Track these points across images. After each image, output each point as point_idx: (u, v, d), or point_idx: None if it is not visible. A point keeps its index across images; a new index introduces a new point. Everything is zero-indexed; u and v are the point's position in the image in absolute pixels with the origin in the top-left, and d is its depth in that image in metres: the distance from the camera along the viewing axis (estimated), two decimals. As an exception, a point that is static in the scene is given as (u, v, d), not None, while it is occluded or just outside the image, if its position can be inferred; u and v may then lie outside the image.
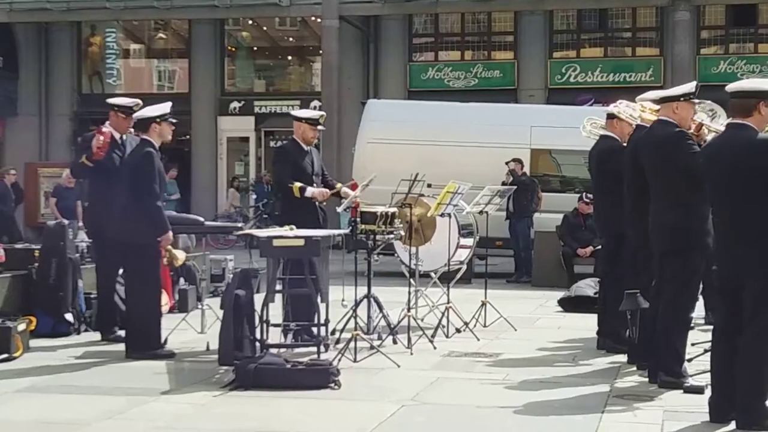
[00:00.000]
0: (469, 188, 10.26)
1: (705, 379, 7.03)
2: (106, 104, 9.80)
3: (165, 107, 8.81)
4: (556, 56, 26.36)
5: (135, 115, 8.93)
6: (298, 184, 9.04)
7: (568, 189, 17.49)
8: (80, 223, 16.59)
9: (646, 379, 7.49)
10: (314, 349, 8.03)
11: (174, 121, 8.89)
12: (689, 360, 7.50)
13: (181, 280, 11.70)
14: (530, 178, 16.77)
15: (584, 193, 15.05)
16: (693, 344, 7.68)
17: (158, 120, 8.68)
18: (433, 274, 10.76)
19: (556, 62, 26.17)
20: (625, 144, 8.39)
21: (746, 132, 5.96)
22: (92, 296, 10.07)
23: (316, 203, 9.19)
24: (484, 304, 10.51)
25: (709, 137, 7.38)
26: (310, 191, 9.08)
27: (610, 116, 8.84)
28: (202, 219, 10.41)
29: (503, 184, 15.06)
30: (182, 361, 8.41)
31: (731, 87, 6.16)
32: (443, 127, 17.73)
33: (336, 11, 23.95)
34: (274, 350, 7.84)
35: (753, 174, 5.87)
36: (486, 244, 12.09)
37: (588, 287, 11.89)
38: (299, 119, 9.37)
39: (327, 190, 9.26)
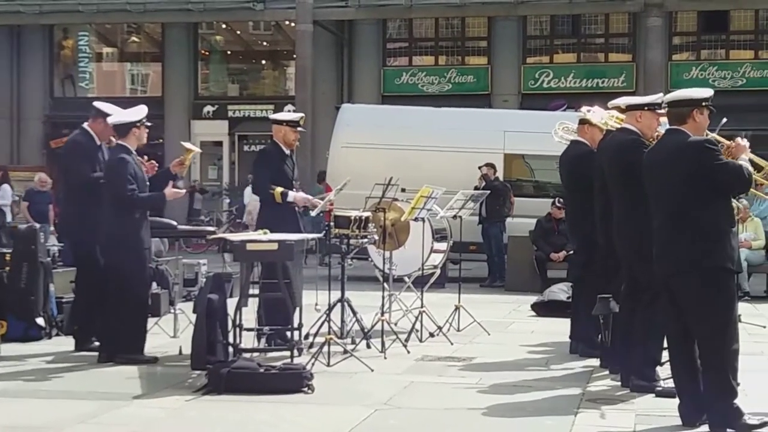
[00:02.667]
0: (442, 193, 10.27)
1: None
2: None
3: (142, 111, 8.77)
4: (529, 62, 26.48)
5: (112, 120, 8.81)
6: (279, 189, 9.01)
7: (541, 194, 17.54)
8: (52, 227, 16.55)
9: (619, 383, 7.53)
10: (287, 353, 8.01)
11: (148, 124, 8.85)
12: (661, 364, 7.54)
13: (154, 284, 11.65)
14: (503, 182, 16.81)
15: (557, 198, 15.12)
16: (665, 348, 7.70)
17: (138, 125, 8.65)
18: (406, 279, 10.77)
19: (529, 68, 26.29)
20: (595, 149, 8.45)
21: (679, 136, 6.15)
22: (64, 300, 10.00)
23: (296, 208, 9.18)
24: (457, 308, 10.53)
25: None
26: (291, 196, 9.07)
27: (582, 122, 8.90)
28: (175, 223, 10.37)
29: (476, 188, 15.10)
30: (155, 366, 8.37)
31: (668, 97, 6.41)
32: (417, 132, 17.74)
33: (310, 16, 23.97)
34: (247, 354, 7.81)
35: (685, 176, 6.01)
36: (460, 248, 12.11)
37: (561, 292, 11.94)
38: (279, 122, 9.34)
39: (309, 196, 9.26)
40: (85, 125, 9.24)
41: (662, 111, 7.61)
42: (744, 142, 6.37)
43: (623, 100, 8.15)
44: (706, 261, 5.95)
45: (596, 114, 8.53)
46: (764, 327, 10.08)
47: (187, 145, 9.31)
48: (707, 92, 6.30)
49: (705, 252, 5.96)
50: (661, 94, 7.86)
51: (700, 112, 6.16)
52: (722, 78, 24.27)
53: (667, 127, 6.44)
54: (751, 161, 6.23)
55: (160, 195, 8.67)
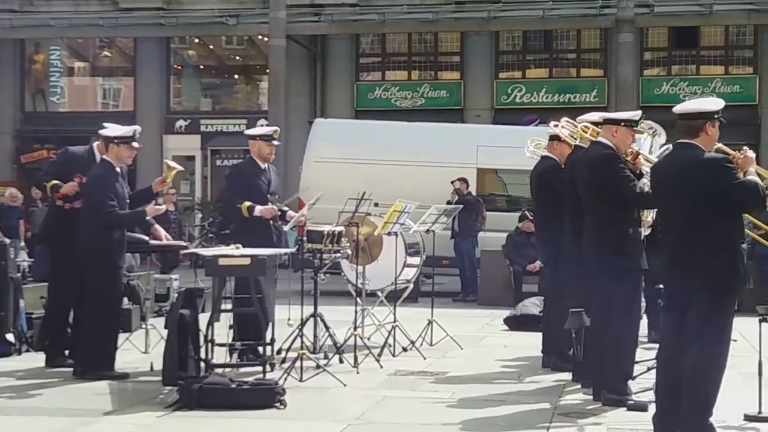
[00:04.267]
0: (415, 207, 10.29)
1: (648, 397, 7.11)
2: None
3: (127, 129, 8.71)
4: (502, 77, 26.58)
5: (101, 132, 8.79)
6: (246, 204, 9.01)
7: (514, 208, 17.58)
8: (22, 243, 16.41)
9: (591, 397, 7.55)
10: (260, 368, 7.98)
11: (136, 145, 8.76)
12: (633, 378, 7.57)
13: (125, 299, 11.57)
14: (475, 197, 16.86)
15: (526, 211, 15.17)
16: (637, 362, 7.74)
17: (116, 141, 8.59)
18: (379, 293, 10.77)
19: (502, 83, 26.39)
20: (563, 165, 8.50)
21: (694, 151, 6.03)
22: (34, 316, 9.91)
23: (270, 222, 9.16)
24: (430, 322, 10.52)
25: (646, 167, 7.52)
26: (258, 210, 9.05)
27: (552, 137, 8.96)
28: (147, 238, 10.31)
29: (449, 203, 15.13)
30: (126, 382, 8.32)
31: (678, 108, 6.22)
32: (390, 147, 17.79)
33: (283, 30, 23.96)
34: (219, 370, 7.77)
35: (700, 193, 5.92)
36: (432, 262, 12.12)
37: (533, 306, 11.96)
38: (254, 137, 9.35)
39: (275, 207, 9.23)
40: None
41: (638, 128, 7.70)
42: (750, 154, 6.29)
43: (594, 116, 8.22)
44: (719, 281, 5.93)
45: (569, 128, 8.57)
46: (735, 341, 10.14)
47: (171, 163, 9.28)
48: (719, 104, 6.20)
49: (718, 272, 5.92)
50: (639, 112, 7.92)
51: (712, 125, 6.09)
52: (692, 93, 24.41)
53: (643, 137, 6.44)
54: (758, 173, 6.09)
55: (141, 211, 8.64)
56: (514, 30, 26.54)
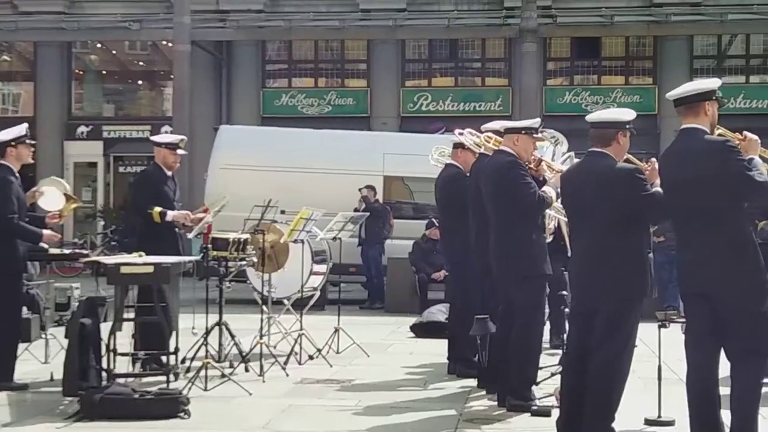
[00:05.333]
0: (322, 215, 10.27)
1: (552, 402, 7.20)
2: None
3: (20, 129, 8.55)
4: (408, 85, 26.74)
5: None
6: (157, 209, 8.92)
7: (421, 216, 17.66)
8: None
9: (496, 403, 7.61)
10: (163, 378, 7.85)
11: (31, 142, 8.62)
12: (537, 383, 7.65)
13: (24, 308, 11.31)
14: (382, 204, 16.90)
15: (433, 218, 15.25)
16: (541, 368, 7.83)
17: (13, 143, 8.41)
18: (286, 301, 10.71)
19: (408, 91, 26.54)
20: (468, 173, 8.58)
21: (605, 160, 6.09)
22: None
23: (176, 230, 9.05)
24: (337, 330, 10.50)
25: (548, 173, 7.62)
26: (170, 215, 8.96)
27: (456, 145, 9.03)
28: (46, 246, 10.08)
29: (356, 210, 15.14)
30: (25, 393, 8.12)
31: (592, 117, 6.29)
32: (297, 154, 17.73)
33: (187, 36, 23.69)
34: (121, 380, 7.63)
35: (610, 202, 5.98)
36: (339, 270, 12.11)
37: (439, 313, 12.03)
38: (158, 144, 9.25)
39: (188, 212, 9.14)
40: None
41: (539, 135, 7.80)
42: (754, 137, 6.37)
43: (497, 124, 8.31)
44: (627, 289, 5.99)
45: (471, 137, 8.65)
46: (636, 346, 10.33)
47: (72, 196, 9.04)
48: (631, 114, 6.27)
49: (626, 280, 5.98)
50: (539, 119, 8.04)
51: (623, 135, 6.14)
52: (594, 103, 24.89)
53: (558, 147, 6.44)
54: (762, 156, 5.88)
55: (38, 234, 8.47)
56: (420, 39, 26.73)
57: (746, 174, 5.41)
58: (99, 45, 28.31)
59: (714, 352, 5.56)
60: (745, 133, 5.85)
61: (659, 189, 6.14)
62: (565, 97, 25.93)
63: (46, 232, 8.57)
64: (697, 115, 5.67)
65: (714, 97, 5.74)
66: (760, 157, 5.77)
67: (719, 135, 5.79)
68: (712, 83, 5.81)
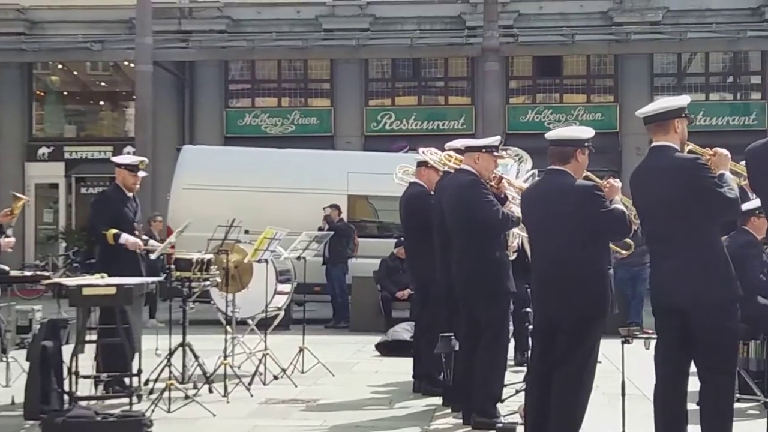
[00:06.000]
0: (286, 234, 10.24)
1: (516, 419, 7.21)
2: None
3: None
4: (371, 104, 26.79)
5: None
6: (112, 231, 8.85)
7: (385, 234, 17.68)
8: None
9: (461, 421, 7.61)
10: (126, 400, 7.79)
11: None
12: (502, 400, 7.66)
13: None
14: (346, 223, 16.89)
15: (401, 237, 15.26)
16: (505, 385, 7.85)
17: None
18: (250, 321, 10.66)
19: (371, 110, 26.60)
20: (432, 191, 8.60)
21: (564, 178, 6.13)
22: None
23: (137, 252, 8.99)
24: (302, 350, 10.47)
25: (509, 190, 7.65)
26: (123, 238, 8.88)
27: (420, 164, 9.05)
28: (7, 268, 9.98)
29: (320, 229, 15.12)
30: (-15, 417, 8.03)
31: (551, 135, 6.32)
32: (260, 174, 17.69)
33: (149, 56, 23.61)
34: (83, 402, 7.56)
35: (570, 219, 6.01)
36: (304, 289, 12.10)
37: (404, 331, 12.02)
38: (119, 165, 9.21)
39: (141, 242, 9.07)
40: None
41: (499, 153, 7.84)
42: (617, 183, 6.38)
43: (459, 143, 8.34)
44: (588, 306, 6.02)
45: (434, 155, 8.68)
46: (600, 362, 10.37)
47: (16, 193, 9.03)
48: (590, 132, 6.30)
49: (587, 297, 6.00)
50: (498, 137, 8.08)
51: (582, 153, 6.17)
52: (556, 121, 25.05)
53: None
54: (732, 170, 5.90)
55: None
56: (383, 58, 26.81)
57: (717, 191, 5.45)
58: (60, 66, 28.13)
59: (683, 368, 5.58)
60: (715, 148, 5.87)
61: (619, 206, 6.19)
62: (528, 116, 26.09)
63: (2, 241, 8.47)
64: (666, 132, 5.68)
65: (683, 114, 5.75)
66: (731, 171, 5.78)
67: (689, 151, 5.82)
68: (682, 100, 5.82)
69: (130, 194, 9.19)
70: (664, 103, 5.83)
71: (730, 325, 5.47)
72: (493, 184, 7.59)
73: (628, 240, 9.19)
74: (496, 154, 7.66)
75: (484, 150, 7.59)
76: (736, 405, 5.60)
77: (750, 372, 8.47)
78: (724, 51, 26.21)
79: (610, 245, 7.30)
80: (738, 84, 26.69)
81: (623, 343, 7.02)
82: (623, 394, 7.01)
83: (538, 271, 6.29)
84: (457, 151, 8.10)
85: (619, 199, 6.34)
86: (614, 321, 9.67)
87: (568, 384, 6.00)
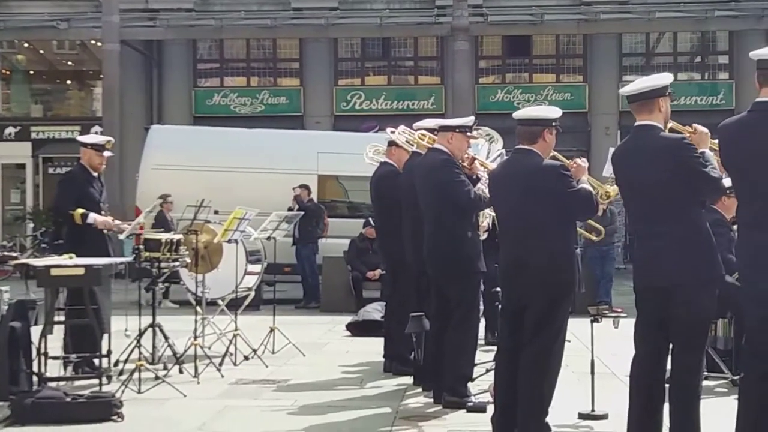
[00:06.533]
0: (256, 214, 10.21)
1: (487, 398, 7.25)
2: None
3: None
4: (341, 83, 26.73)
5: None
6: (79, 210, 8.77)
7: (355, 214, 17.67)
8: None
9: (431, 400, 7.64)
10: (96, 381, 7.76)
11: None
12: (473, 380, 7.70)
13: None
14: (316, 204, 16.87)
15: (370, 218, 15.26)
16: (476, 364, 7.88)
17: None
18: (220, 302, 10.63)
19: (341, 89, 26.53)
20: (402, 171, 8.59)
21: (532, 157, 6.13)
22: None
23: (104, 232, 8.93)
24: (272, 330, 10.46)
25: (481, 171, 7.65)
26: (92, 217, 8.82)
27: (390, 144, 9.04)
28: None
29: (290, 209, 15.09)
30: (-48, 399, 7.96)
31: (518, 114, 6.31)
32: (229, 153, 17.62)
33: (117, 35, 23.42)
34: (52, 383, 7.53)
35: (537, 199, 6.03)
36: (274, 270, 12.06)
37: (375, 311, 12.03)
38: (85, 145, 9.12)
39: (110, 219, 9.00)
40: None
41: (472, 134, 7.83)
42: (584, 163, 6.38)
43: (431, 122, 8.33)
44: (555, 285, 6.03)
45: (404, 134, 8.67)
46: (569, 341, 10.44)
47: None
48: (557, 112, 6.30)
49: (554, 276, 6.01)
50: (473, 117, 8.06)
51: (550, 132, 6.16)
52: (526, 101, 25.09)
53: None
54: (712, 148, 5.74)
55: None
56: (353, 37, 26.72)
57: (702, 171, 5.44)
58: (26, 44, 27.84)
59: (662, 346, 5.59)
60: (695, 126, 5.86)
61: (586, 186, 6.21)
62: (498, 95, 26.13)
63: None
64: (651, 111, 5.61)
65: (667, 93, 5.70)
66: (711, 149, 5.75)
67: (671, 129, 5.81)
68: (665, 78, 5.75)
69: (96, 174, 9.12)
70: (648, 81, 5.76)
71: (709, 305, 5.50)
72: (465, 164, 7.59)
73: (598, 226, 9.30)
74: (469, 134, 7.66)
75: (457, 130, 7.58)
76: (704, 383, 5.64)
77: (717, 350, 8.56)
78: (692, 31, 26.38)
79: (583, 233, 7.33)
80: (706, 64, 26.87)
81: (592, 322, 7.08)
82: (592, 373, 7.08)
83: (506, 251, 6.30)
84: (430, 130, 8.09)
85: (586, 179, 6.36)
86: (583, 300, 9.76)
87: (537, 363, 6.03)
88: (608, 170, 7.43)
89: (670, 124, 5.80)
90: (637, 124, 5.66)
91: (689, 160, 5.40)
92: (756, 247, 5.04)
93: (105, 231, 8.96)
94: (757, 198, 5.06)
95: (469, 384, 7.55)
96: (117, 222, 9.16)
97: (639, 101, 5.62)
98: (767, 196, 5.00)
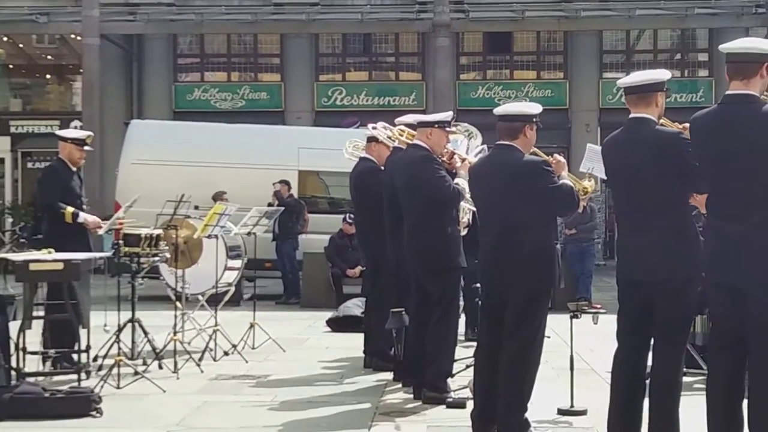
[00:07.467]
0: (236, 210, 10.19)
1: (467, 394, 7.26)
2: None
3: None
4: (322, 79, 26.69)
5: None
6: (70, 209, 8.75)
7: (336, 210, 17.65)
8: None
9: (411, 396, 7.65)
10: (75, 376, 7.73)
11: None
12: (452, 375, 7.71)
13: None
14: (296, 199, 16.85)
15: (348, 214, 15.25)
16: (456, 360, 7.89)
17: None
18: (200, 297, 10.61)
19: (322, 85, 26.50)
20: (382, 167, 8.59)
21: (513, 153, 6.13)
22: None
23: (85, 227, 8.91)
24: (252, 325, 10.44)
25: (459, 164, 7.66)
26: (83, 217, 8.81)
27: (370, 139, 9.04)
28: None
29: (270, 205, 15.06)
30: (-70, 395, 7.90)
31: (499, 110, 6.31)
32: (210, 149, 17.57)
33: (97, 29, 23.31)
34: (31, 379, 7.50)
35: (519, 194, 6.03)
36: (254, 265, 12.03)
37: (355, 307, 12.03)
38: (65, 139, 9.09)
39: (99, 220, 8.99)
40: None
41: (451, 129, 7.85)
42: (562, 159, 6.38)
43: (411, 118, 8.33)
44: (536, 281, 6.05)
45: (385, 130, 8.67)
46: (548, 337, 10.48)
47: None
48: (538, 108, 6.31)
49: (535, 272, 6.02)
50: (451, 113, 8.08)
51: (530, 128, 6.18)
52: (507, 97, 25.14)
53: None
54: None
55: None
56: (334, 33, 26.69)
57: (695, 165, 5.46)
58: (5, 38, 27.66)
59: (644, 342, 5.61)
60: (685, 123, 5.83)
61: (567, 181, 6.23)
62: (479, 92, 26.15)
63: None
64: (648, 105, 5.59)
65: (665, 89, 5.70)
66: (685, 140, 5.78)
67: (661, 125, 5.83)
68: (665, 74, 5.77)
69: (74, 169, 9.08)
70: (647, 75, 5.77)
71: (691, 300, 5.52)
72: (445, 159, 7.60)
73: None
74: (448, 129, 7.67)
75: (436, 125, 7.59)
76: (683, 379, 5.66)
77: (696, 346, 8.60)
78: (672, 28, 26.46)
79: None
80: (686, 61, 26.98)
81: (572, 318, 7.11)
82: (572, 368, 7.10)
83: (486, 246, 6.31)
84: (409, 126, 8.10)
85: (566, 174, 6.38)
86: (563, 296, 9.79)
87: (516, 358, 6.05)
88: (585, 166, 7.46)
89: (662, 121, 5.82)
90: (631, 116, 5.64)
91: (686, 155, 5.38)
92: (725, 238, 5.06)
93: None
94: (728, 190, 5.08)
95: (449, 380, 7.56)
96: (106, 222, 9.12)
97: (637, 93, 5.61)
98: (737, 187, 5.01)
